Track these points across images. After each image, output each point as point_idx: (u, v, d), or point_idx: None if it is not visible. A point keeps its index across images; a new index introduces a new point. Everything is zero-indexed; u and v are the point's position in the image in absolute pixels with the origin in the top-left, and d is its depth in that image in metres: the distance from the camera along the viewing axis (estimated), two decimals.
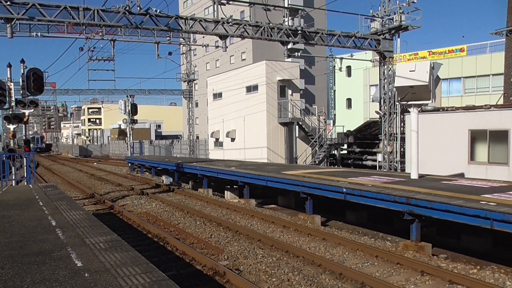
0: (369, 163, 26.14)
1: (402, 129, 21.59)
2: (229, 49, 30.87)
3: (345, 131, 29.58)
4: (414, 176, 12.43)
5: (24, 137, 18.61)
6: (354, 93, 45.34)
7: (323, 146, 27.66)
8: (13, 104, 16.29)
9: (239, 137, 31.12)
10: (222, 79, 33.82)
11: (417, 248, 9.30)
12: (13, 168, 16.57)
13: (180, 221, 13.12)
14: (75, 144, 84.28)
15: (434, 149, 17.08)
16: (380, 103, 22.60)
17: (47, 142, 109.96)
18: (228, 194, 17.67)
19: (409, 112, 12.89)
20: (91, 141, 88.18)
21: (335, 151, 28.65)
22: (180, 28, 17.70)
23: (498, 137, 15.37)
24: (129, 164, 32.68)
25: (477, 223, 7.97)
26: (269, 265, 8.49)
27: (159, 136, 70.15)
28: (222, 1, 18.34)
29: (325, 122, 30.36)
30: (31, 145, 67.86)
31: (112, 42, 22.72)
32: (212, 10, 18.87)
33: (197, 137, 48.93)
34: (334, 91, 53.31)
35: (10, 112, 16.17)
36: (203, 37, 29.61)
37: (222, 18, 18.00)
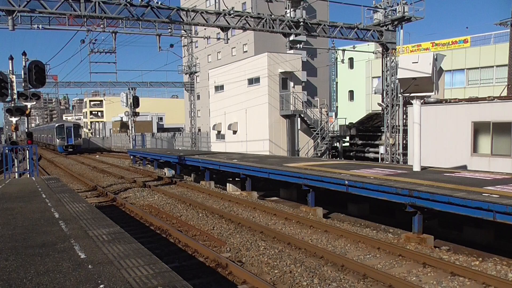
0: (371, 155, 26.12)
1: (404, 121, 21.52)
2: (231, 41, 30.74)
3: (347, 123, 29.52)
4: (416, 168, 12.40)
5: (26, 130, 18.60)
6: (356, 85, 45.16)
7: (325, 138, 27.62)
8: (15, 96, 16.27)
9: (241, 129, 31.10)
10: (224, 72, 33.72)
11: (419, 240, 9.31)
12: (15, 160, 16.60)
13: (182, 213, 13.16)
14: None
15: (436, 141, 17.03)
16: (382, 95, 22.52)
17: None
18: (230, 187, 17.70)
19: (411, 104, 12.83)
20: (93, 133, 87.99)
21: (337, 143, 28.61)
22: (181, 20, 17.61)
23: (501, 129, 15.31)
24: (131, 157, 32.74)
25: (479, 215, 7.96)
26: (271, 257, 8.52)
27: (161, 129, 70.16)
28: None
29: (327, 114, 30.29)
30: (57, 141, 48.45)
31: (113, 34, 22.65)
32: (213, 1, 18.76)
33: (199, 130, 48.95)
34: (336, 83, 53.13)
35: (12, 105, 16.15)
36: (205, 29, 29.47)
37: (223, 10, 17.90)
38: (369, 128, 28.14)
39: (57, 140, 49.05)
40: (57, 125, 50.57)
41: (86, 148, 61.28)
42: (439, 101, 17.50)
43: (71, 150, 48.63)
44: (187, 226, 11.37)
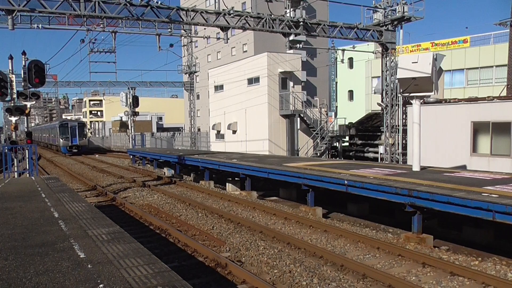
0: (371, 155, 26.13)
1: (404, 121, 21.52)
2: (231, 41, 30.72)
3: (346, 123, 29.53)
4: (416, 168, 12.41)
5: (26, 129, 18.60)
6: (356, 85, 45.19)
7: (324, 138, 27.63)
8: (14, 96, 16.27)
9: (241, 129, 31.09)
10: (224, 71, 33.72)
11: (418, 240, 9.31)
12: (15, 160, 16.59)
13: (182, 213, 13.16)
14: None
15: (436, 141, 17.03)
16: (382, 95, 22.51)
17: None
18: (229, 186, 17.69)
19: (411, 104, 12.84)
20: (92, 133, 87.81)
21: (337, 143, 28.63)
22: (181, 19, 17.60)
23: (500, 129, 15.31)
24: (131, 156, 32.73)
25: (479, 215, 7.97)
26: (271, 256, 8.52)
27: (160, 129, 70.16)
28: None
29: (327, 114, 30.30)
30: (61, 141, 44.82)
31: (113, 34, 22.67)
32: (213, 1, 18.75)
33: (199, 130, 48.93)
34: (336, 83, 53.17)
35: (12, 104, 16.15)
36: (205, 28, 29.46)
37: (223, 10, 17.89)
38: (368, 128, 28.15)
39: (61, 140, 45.40)
40: (60, 124, 46.55)
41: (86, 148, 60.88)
42: (438, 101, 17.51)
43: (75, 150, 44.65)
44: (187, 225, 11.37)
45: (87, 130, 53.79)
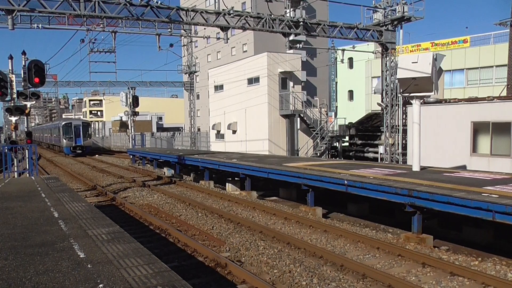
0: (371, 155, 26.13)
1: (404, 121, 21.52)
2: (231, 40, 30.73)
3: (346, 123, 29.54)
4: (415, 168, 12.40)
5: (26, 129, 18.60)
6: (356, 85, 45.20)
7: (324, 138, 27.62)
8: (14, 96, 16.27)
9: (241, 129, 31.10)
10: (224, 71, 33.72)
11: (418, 240, 9.32)
12: (15, 160, 16.59)
13: (181, 213, 13.16)
14: None
15: (436, 141, 17.03)
16: (382, 95, 22.52)
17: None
18: (229, 186, 17.69)
19: (411, 104, 12.84)
20: (92, 133, 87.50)
21: (337, 143, 28.63)
22: (181, 19, 17.61)
23: (501, 129, 15.32)
24: (131, 156, 32.72)
25: (479, 215, 7.97)
26: (271, 256, 8.52)
27: (160, 128, 70.13)
28: None
29: (327, 114, 30.30)
30: (64, 141, 42.66)
31: (113, 34, 22.68)
32: (213, 1, 18.74)
33: (199, 129, 48.92)
34: (336, 83, 53.17)
35: (12, 104, 16.14)
36: (205, 28, 29.47)
37: (223, 10, 17.89)
38: (368, 128, 28.16)
39: (64, 140, 43.05)
40: (63, 123, 44.29)
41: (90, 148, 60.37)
42: (438, 101, 17.51)
43: (79, 151, 42.58)
44: (187, 225, 11.37)
45: (91, 130, 51.86)
